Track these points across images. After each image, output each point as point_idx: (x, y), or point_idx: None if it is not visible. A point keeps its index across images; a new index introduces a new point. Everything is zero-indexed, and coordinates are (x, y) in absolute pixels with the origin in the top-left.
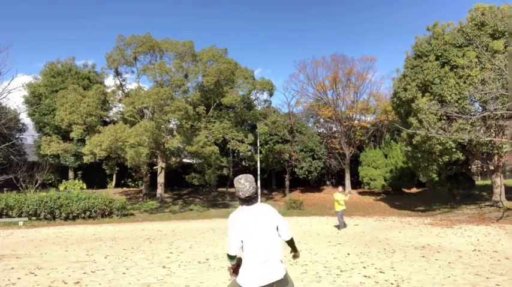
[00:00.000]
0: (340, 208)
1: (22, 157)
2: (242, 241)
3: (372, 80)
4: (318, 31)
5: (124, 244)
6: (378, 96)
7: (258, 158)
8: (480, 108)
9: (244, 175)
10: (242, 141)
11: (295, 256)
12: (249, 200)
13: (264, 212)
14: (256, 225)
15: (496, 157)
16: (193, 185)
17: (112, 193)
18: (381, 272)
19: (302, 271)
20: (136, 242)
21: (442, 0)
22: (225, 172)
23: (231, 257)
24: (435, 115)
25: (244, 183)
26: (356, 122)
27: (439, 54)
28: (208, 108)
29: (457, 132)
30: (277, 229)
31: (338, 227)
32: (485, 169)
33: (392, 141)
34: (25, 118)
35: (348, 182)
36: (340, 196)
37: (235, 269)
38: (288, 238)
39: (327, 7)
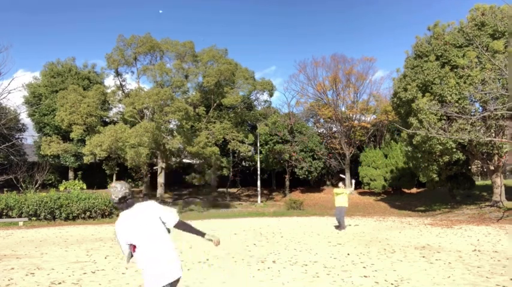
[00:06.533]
0: (344, 204)
1: (22, 157)
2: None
3: (371, 80)
4: (318, 31)
5: None
6: (378, 96)
7: (258, 159)
8: (480, 108)
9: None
10: (242, 142)
11: (212, 241)
12: (124, 201)
13: (143, 210)
14: (140, 226)
15: (496, 157)
16: (194, 185)
17: None
18: (381, 272)
19: (302, 271)
20: None
21: (443, 0)
22: (225, 172)
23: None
24: (435, 115)
25: (116, 185)
26: (356, 122)
27: (439, 54)
28: (209, 109)
29: (457, 132)
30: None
31: (338, 227)
32: (485, 169)
33: (392, 141)
34: (25, 118)
35: (348, 182)
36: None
37: None
38: (173, 223)
39: (327, 6)
